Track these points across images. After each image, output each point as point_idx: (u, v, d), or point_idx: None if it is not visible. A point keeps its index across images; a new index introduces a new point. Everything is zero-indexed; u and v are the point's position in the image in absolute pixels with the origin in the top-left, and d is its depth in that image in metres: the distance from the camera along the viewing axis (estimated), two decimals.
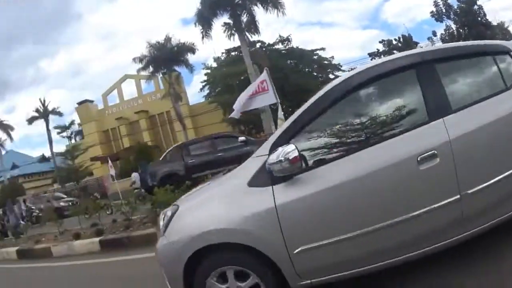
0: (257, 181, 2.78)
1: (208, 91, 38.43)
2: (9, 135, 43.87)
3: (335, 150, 2.78)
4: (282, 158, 2.55)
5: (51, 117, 41.93)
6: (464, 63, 3.10)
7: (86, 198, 25.05)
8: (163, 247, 3.17)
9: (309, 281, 2.74)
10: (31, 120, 41.42)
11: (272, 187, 2.71)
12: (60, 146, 58.00)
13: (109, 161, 19.66)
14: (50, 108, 41.48)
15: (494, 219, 2.77)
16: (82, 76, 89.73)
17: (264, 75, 8.79)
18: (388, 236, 2.61)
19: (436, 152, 2.62)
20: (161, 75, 34.71)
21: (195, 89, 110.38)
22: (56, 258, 8.38)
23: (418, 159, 2.59)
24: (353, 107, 3.00)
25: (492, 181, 2.70)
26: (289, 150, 2.55)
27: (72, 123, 45.77)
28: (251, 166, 2.90)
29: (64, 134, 44.55)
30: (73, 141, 46.84)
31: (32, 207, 22.12)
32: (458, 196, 2.64)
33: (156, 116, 40.86)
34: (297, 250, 2.64)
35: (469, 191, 2.64)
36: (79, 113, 43.20)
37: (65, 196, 26.70)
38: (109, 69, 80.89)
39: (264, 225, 2.69)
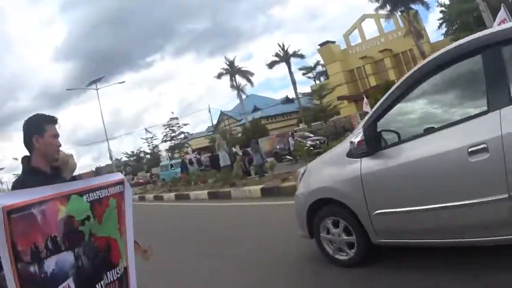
0: (352, 153, 3.60)
1: (445, 29, 37.52)
2: (249, 81, 50.01)
3: (409, 131, 3.29)
4: (353, 140, 3.32)
5: (292, 60, 46.37)
6: None
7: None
8: (296, 196, 4.38)
9: (384, 240, 3.51)
10: (271, 65, 46.97)
11: (361, 160, 3.50)
12: (303, 87, 62.19)
13: (365, 98, 20.20)
14: (290, 51, 45.83)
15: None
16: (318, 20, 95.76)
17: (502, 13, 8.30)
18: (445, 218, 2.98)
19: (486, 146, 2.65)
20: (399, 13, 35.73)
21: (432, 27, 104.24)
22: None
23: (469, 150, 2.71)
24: (424, 95, 3.33)
25: None
26: (358, 134, 3.29)
27: (317, 64, 49.80)
28: None
29: (309, 75, 48.89)
30: (317, 81, 50.67)
31: (302, 141, 23.36)
32: (506, 196, 2.61)
33: (400, 55, 41.55)
34: (375, 212, 3.44)
35: None
36: (322, 54, 46.75)
37: (312, 135, 28.36)
38: (343, 11, 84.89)
39: (353, 189, 3.59)
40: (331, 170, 3.90)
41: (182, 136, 58.31)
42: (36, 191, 1.74)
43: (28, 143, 2.15)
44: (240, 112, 52.76)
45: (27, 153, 2.18)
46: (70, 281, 1.77)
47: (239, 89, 50.28)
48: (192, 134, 60.88)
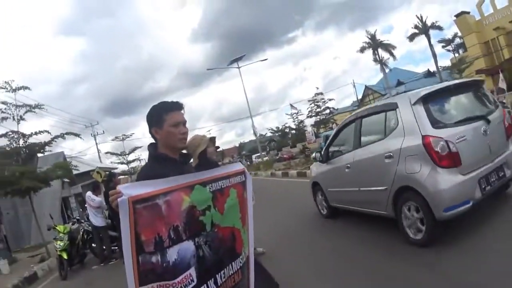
0: (322, 160, 7.24)
1: None
2: (391, 54, 49.11)
3: (339, 152, 6.72)
4: (313, 155, 7.09)
5: (431, 32, 45.24)
6: (375, 118, 5.50)
7: None
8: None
9: (334, 205, 7.14)
10: (411, 37, 45.99)
11: (325, 163, 7.14)
12: (443, 60, 58.80)
13: (501, 75, 20.36)
14: (428, 23, 44.68)
15: (372, 210, 5.63)
16: None
17: None
18: (348, 196, 6.35)
19: (349, 165, 6.00)
20: None
21: None
22: None
23: (346, 166, 6.06)
24: (343, 135, 6.65)
25: (370, 188, 5.34)
26: (316, 152, 7.05)
27: (455, 36, 47.97)
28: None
29: (448, 47, 47.11)
30: (456, 54, 48.79)
31: None
32: (357, 189, 5.76)
33: None
34: (327, 189, 7.15)
35: (361, 188, 5.66)
36: (459, 25, 44.99)
37: None
38: None
39: (322, 177, 7.36)
40: (317, 167, 7.65)
41: (327, 111, 57.11)
42: (162, 182, 1.79)
43: (150, 134, 2.18)
44: (384, 86, 52.19)
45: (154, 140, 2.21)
46: (192, 271, 1.82)
47: (382, 62, 49.76)
48: (337, 109, 59.48)
